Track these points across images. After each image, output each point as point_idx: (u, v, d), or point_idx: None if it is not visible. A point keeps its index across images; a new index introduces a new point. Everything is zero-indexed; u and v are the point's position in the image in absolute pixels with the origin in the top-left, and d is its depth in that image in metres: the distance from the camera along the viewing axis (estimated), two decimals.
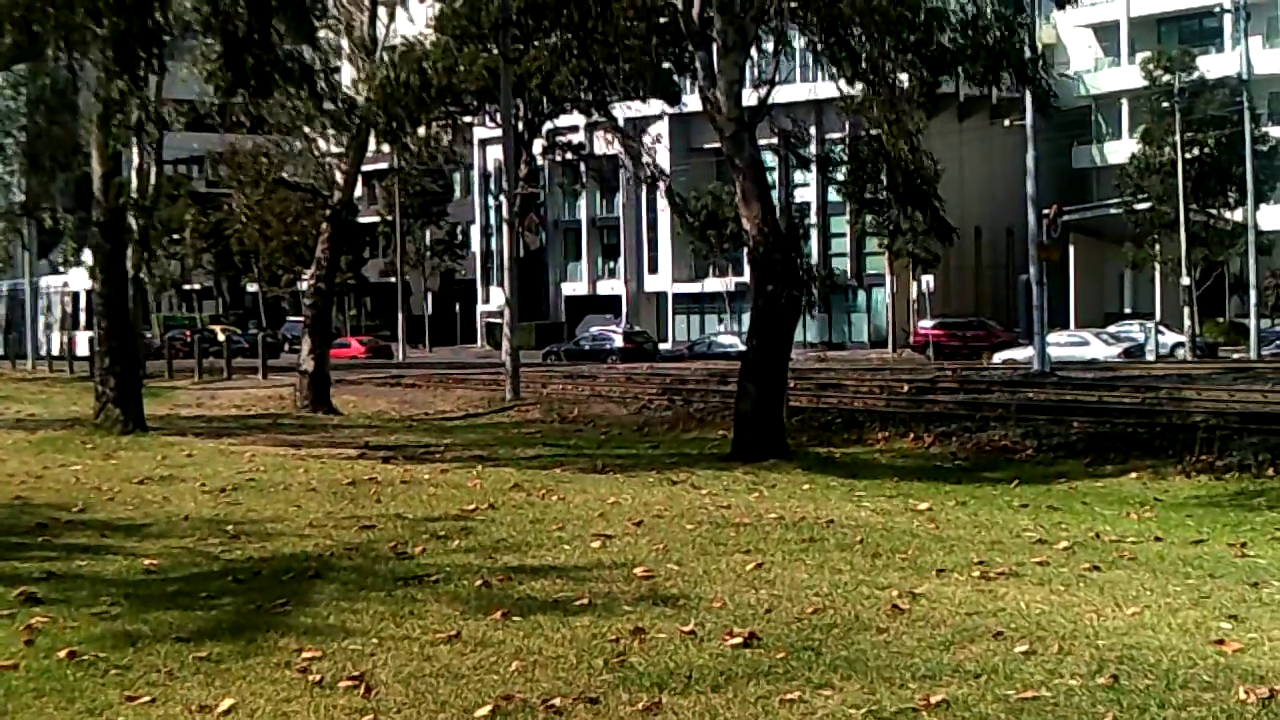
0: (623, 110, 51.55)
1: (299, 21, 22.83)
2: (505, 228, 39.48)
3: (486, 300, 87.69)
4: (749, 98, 23.30)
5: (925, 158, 25.37)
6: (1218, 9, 68.78)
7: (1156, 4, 77.61)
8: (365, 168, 59.63)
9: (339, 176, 35.91)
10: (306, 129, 34.87)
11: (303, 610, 8.77)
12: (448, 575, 9.83)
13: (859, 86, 24.94)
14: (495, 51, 38.79)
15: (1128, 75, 73.81)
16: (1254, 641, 7.56)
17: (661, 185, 49.46)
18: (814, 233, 76.68)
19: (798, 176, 71.31)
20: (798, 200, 73.49)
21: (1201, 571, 10.28)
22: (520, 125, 47.83)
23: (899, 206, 26.35)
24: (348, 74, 37.21)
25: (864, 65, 24.13)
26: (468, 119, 55.92)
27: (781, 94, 30.76)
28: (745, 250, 24.95)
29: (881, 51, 23.60)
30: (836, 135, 60.69)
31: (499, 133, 46.90)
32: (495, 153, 75.69)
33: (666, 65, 41.19)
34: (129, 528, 12.48)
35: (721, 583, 9.46)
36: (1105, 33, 79.57)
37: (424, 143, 48.36)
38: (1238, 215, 60.52)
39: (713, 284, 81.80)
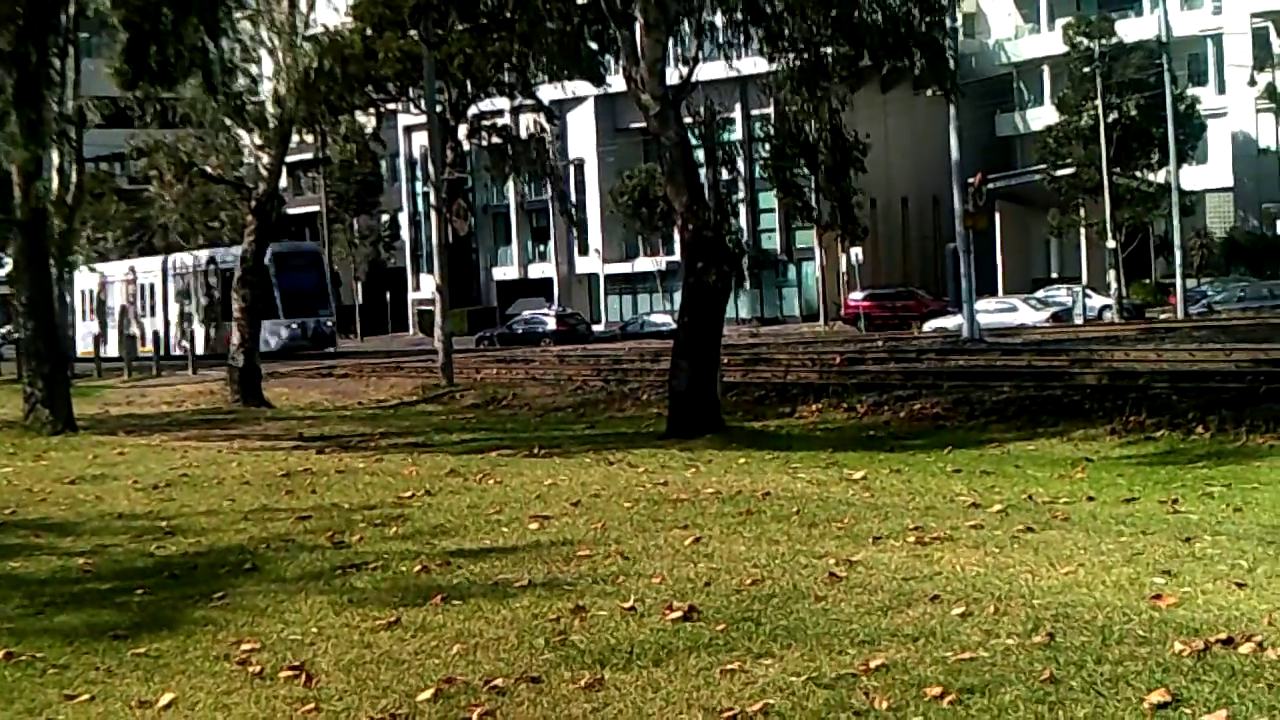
0: (548, 92, 51.43)
1: (208, 13, 22.59)
2: (433, 214, 39.31)
3: (417, 288, 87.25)
4: (673, 76, 23.30)
5: (849, 134, 25.44)
6: None
7: None
8: (292, 158, 59.31)
9: (263, 168, 35.62)
10: (228, 120, 34.55)
11: (240, 603, 8.73)
12: (385, 562, 9.80)
13: (781, 63, 24.99)
14: (416, 37, 38.54)
15: (1048, 42, 74.37)
16: (1188, 596, 7.66)
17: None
18: (743, 208, 76.81)
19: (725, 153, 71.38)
20: (725, 177, 73.61)
21: (1134, 529, 10.40)
22: (445, 110, 47.55)
23: (815, 192, 26.43)
24: (268, 65, 36.90)
25: (785, 41, 24.17)
26: (391, 106, 55.67)
27: (705, 71, 30.77)
28: (675, 228, 24.98)
29: (803, 26, 23.64)
30: (759, 112, 60.95)
31: (424, 119, 46.66)
32: (421, 139, 75.33)
33: (591, 45, 41.07)
34: (62, 527, 12.36)
35: (660, 558, 9.48)
36: (1025, 1, 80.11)
37: (347, 131, 48.16)
38: (1160, 177, 61.18)
39: (644, 264, 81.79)
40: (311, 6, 35.80)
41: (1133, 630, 6.82)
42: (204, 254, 62.97)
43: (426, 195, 64.87)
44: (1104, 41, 63.06)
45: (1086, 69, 62.74)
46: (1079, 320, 54.58)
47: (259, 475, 15.96)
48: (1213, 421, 18.61)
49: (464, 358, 41.47)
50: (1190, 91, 66.88)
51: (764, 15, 24.37)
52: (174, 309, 62.60)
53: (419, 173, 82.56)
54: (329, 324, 57.83)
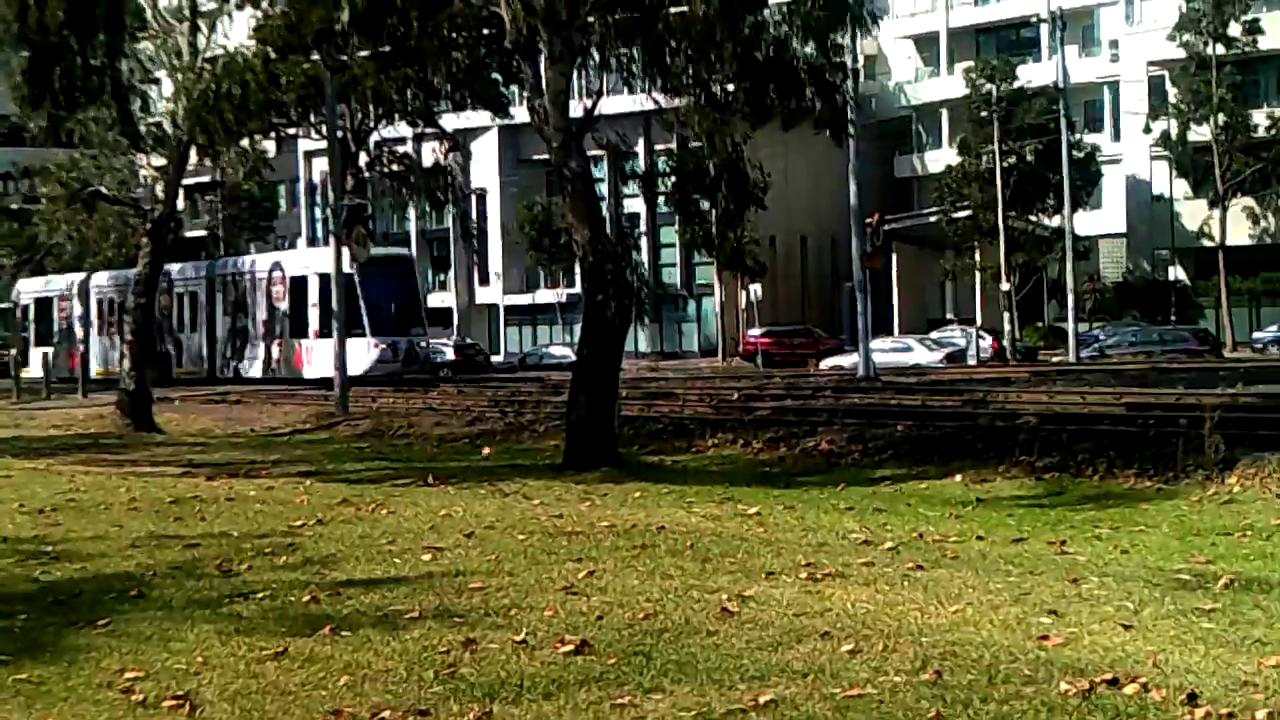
0: (452, 121, 51.23)
1: (114, 35, 22.34)
2: (332, 241, 39.01)
3: None
4: (576, 109, 23.36)
5: (751, 169, 25.56)
6: (1035, 20, 70.63)
7: (975, 15, 79.54)
8: (188, 181, 58.64)
9: (159, 190, 35.20)
10: (126, 142, 34.13)
11: (125, 630, 8.59)
12: (274, 592, 9.70)
13: (684, 99, 25.13)
14: (319, 61, 38.30)
15: (948, 85, 75.45)
16: (1074, 636, 7.76)
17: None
18: (644, 242, 77.02)
19: (627, 187, 71.64)
20: (627, 210, 73.87)
21: (1022, 569, 10.53)
22: (346, 136, 47.25)
23: (718, 225, 26.58)
24: (168, 86, 36.48)
25: (687, 79, 24.31)
26: (292, 131, 55.21)
27: (609, 105, 30.80)
28: (576, 260, 24.97)
29: (705, 65, 23.79)
30: (663, 147, 61.21)
31: (324, 144, 46.36)
32: (321, 165, 74.78)
33: (495, 75, 41.05)
34: None
35: (553, 591, 9.48)
36: (925, 44, 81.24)
37: (246, 155, 47.70)
38: (1055, 221, 62.14)
39: (545, 295, 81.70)
40: (213, 29, 35.51)
41: (1019, 670, 6.90)
42: (125, 273, 56.75)
43: (325, 221, 64.36)
44: (1003, 86, 64.08)
45: (985, 113, 63.69)
46: (973, 361, 55.22)
47: (148, 501, 15.74)
48: (1102, 464, 18.89)
49: (360, 386, 41.16)
50: (1087, 138, 68.13)
51: (665, 52, 24.50)
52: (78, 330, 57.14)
53: (318, 198, 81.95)
54: (423, 344, 48.69)
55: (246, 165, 50.63)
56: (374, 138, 51.70)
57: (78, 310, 57.05)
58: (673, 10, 23.56)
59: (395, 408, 34.56)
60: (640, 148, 73.81)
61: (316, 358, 44.43)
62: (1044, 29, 70.12)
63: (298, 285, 46.73)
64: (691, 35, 23.29)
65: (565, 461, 21.78)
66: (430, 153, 55.93)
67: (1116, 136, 71.96)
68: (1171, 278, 68.06)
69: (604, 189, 63.63)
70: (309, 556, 11.39)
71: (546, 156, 23.87)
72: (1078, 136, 64.31)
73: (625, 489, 17.67)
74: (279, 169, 78.28)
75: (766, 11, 24.40)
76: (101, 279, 56.70)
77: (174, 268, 51.75)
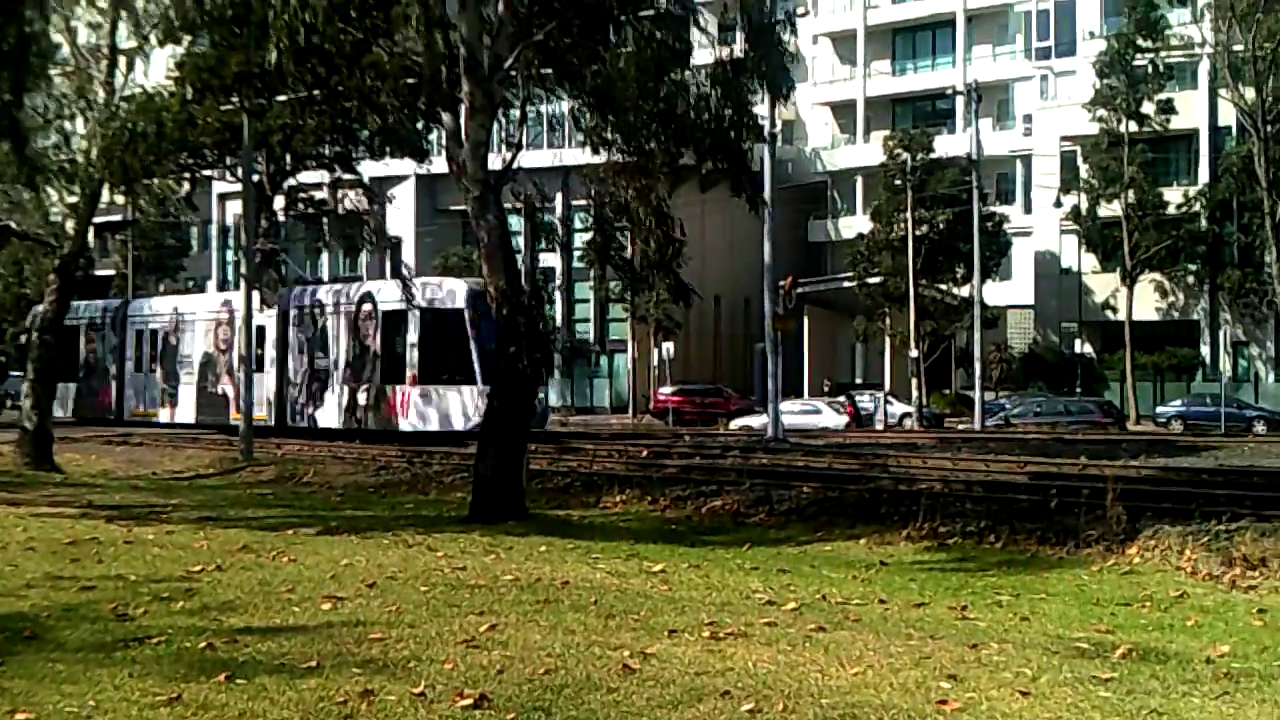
0: (370, 168, 51.17)
1: (16, 70, 22.09)
2: (243, 284, 38.67)
3: None
4: (495, 161, 23.40)
5: (672, 222, 25.68)
6: (951, 91, 71.73)
7: (893, 85, 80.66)
8: (100, 219, 57.91)
9: (69, 227, 34.75)
10: (35, 178, 33.67)
11: (18, 671, 8.43)
12: (170, 637, 9.57)
13: (605, 156, 25.27)
14: (238, 104, 38.13)
15: (863, 153, 76.37)
16: (972, 701, 7.81)
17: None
18: (559, 296, 77.08)
19: (544, 241, 71.77)
20: (543, 264, 73.93)
21: (923, 633, 10.59)
22: (262, 180, 46.98)
23: (642, 271, 26.63)
24: (82, 123, 36.14)
25: (610, 134, 24.44)
26: (208, 172, 54.80)
27: (529, 159, 30.94)
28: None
29: (627, 121, 23.94)
30: (581, 201, 61.34)
31: (240, 187, 46.07)
32: (235, 208, 74.34)
33: (416, 125, 41.05)
34: None
35: (454, 644, 9.42)
36: (843, 111, 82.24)
37: (160, 195, 47.23)
38: (965, 291, 62.90)
39: None
40: (131, 67, 35.23)
41: None
42: (171, 301, 51.78)
43: (237, 264, 63.88)
44: (919, 156, 64.94)
45: (900, 181, 64.47)
46: (880, 426, 55.67)
47: (44, 542, 15.47)
48: (1004, 531, 19.05)
49: (266, 431, 40.76)
50: (999, 209, 69.10)
51: (587, 108, 24.65)
52: None
53: (231, 241, 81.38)
54: (541, 395, 39.52)
55: (159, 205, 50.04)
56: (290, 182, 51.46)
57: (111, 342, 50.84)
58: (593, 67, 23.74)
59: (301, 455, 34.23)
60: (558, 202, 74.11)
61: (418, 408, 38.31)
62: (960, 101, 71.27)
63: (393, 321, 39.68)
64: (613, 92, 23.45)
65: (472, 514, 21.66)
66: (348, 199, 55.65)
67: (1028, 209, 73.11)
68: (1078, 350, 69.04)
69: (520, 242, 63.64)
70: (207, 602, 11.25)
71: (464, 207, 23.84)
72: (990, 208, 65.23)
73: (531, 543, 17.59)
74: (191, 210, 77.80)
75: (688, 73, 24.61)
76: (143, 307, 50.72)
77: (235, 296, 45.64)
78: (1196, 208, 63.35)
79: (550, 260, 76.11)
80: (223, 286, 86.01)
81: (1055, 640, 10.80)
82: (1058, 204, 67.04)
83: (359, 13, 22.34)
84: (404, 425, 38.29)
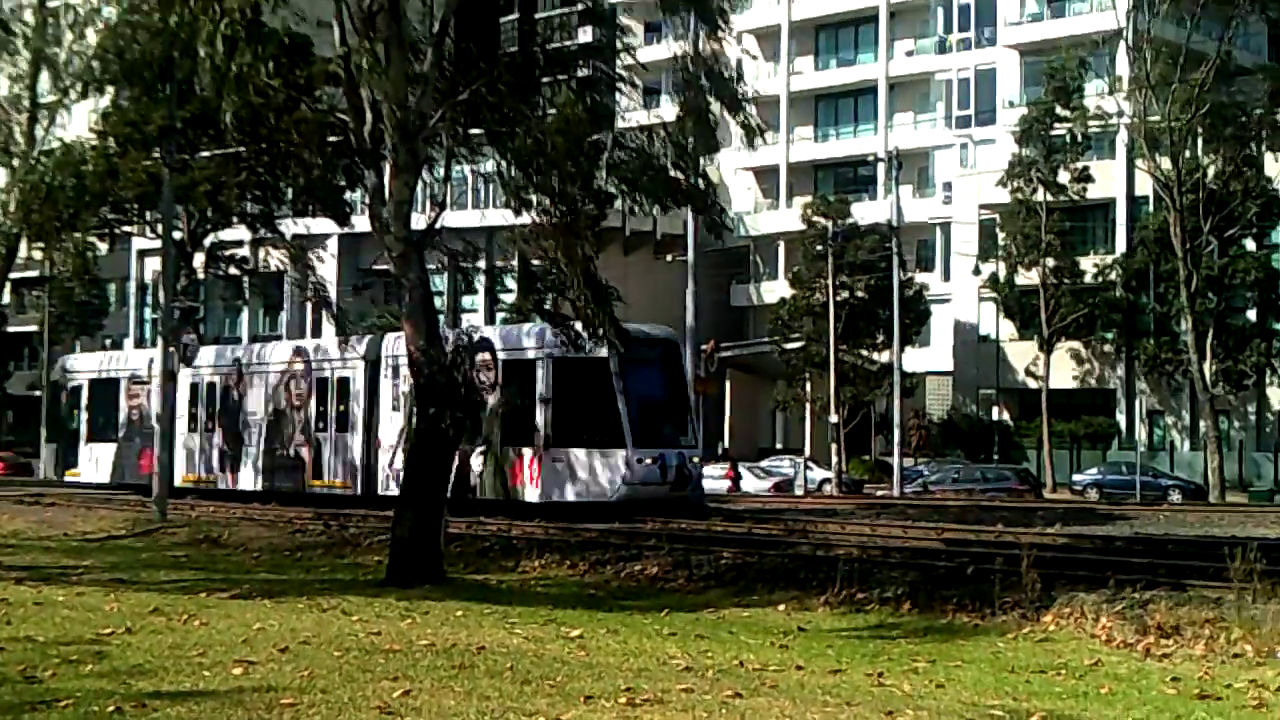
0: (291, 227, 50.93)
1: None
2: (160, 342, 38.12)
3: None
4: (419, 220, 23.36)
5: (600, 281, 25.51)
6: (872, 159, 72.48)
7: (815, 151, 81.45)
8: (15, 274, 57.23)
9: None
10: None
11: None
12: (78, 700, 9.43)
13: (529, 215, 25.22)
14: (160, 159, 37.91)
15: (785, 219, 76.90)
16: None
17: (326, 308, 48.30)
18: None
19: (465, 300, 71.70)
20: (466, 322, 73.75)
21: (839, 700, 10.59)
22: (182, 236, 46.63)
23: (583, 323, 26.42)
24: (1, 175, 35.81)
25: (536, 194, 24.44)
26: (128, 228, 54.38)
27: (454, 218, 30.79)
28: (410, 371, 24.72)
29: (551, 182, 23.96)
30: (503, 263, 61.36)
31: (159, 244, 45.67)
32: (155, 264, 73.68)
33: (338, 182, 40.95)
34: None
35: (367, 710, 9.33)
36: (766, 176, 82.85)
37: (78, 250, 46.66)
38: (884, 357, 63.33)
39: None
40: (52, 120, 34.99)
41: None
42: (232, 350, 45.73)
43: (155, 322, 63.27)
44: (839, 222, 65.50)
45: (820, 247, 64.96)
46: (800, 491, 55.79)
47: None
48: (921, 598, 19.09)
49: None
50: (918, 276, 69.74)
51: (512, 169, 24.67)
52: None
53: (149, 298, 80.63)
54: (695, 459, 34.86)
55: (78, 260, 49.26)
56: (210, 239, 51.17)
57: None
58: (519, 127, 23.79)
59: (215, 517, 33.84)
60: (482, 263, 74.07)
61: (551, 475, 32.34)
62: (881, 168, 72.03)
63: (517, 373, 33.32)
64: (540, 153, 23.49)
65: (388, 578, 21.44)
66: (268, 258, 55.24)
67: (947, 276, 73.82)
68: (995, 417, 69.66)
69: (443, 302, 63.54)
70: (116, 665, 11.09)
71: (386, 266, 23.79)
72: (909, 274, 65.82)
73: (448, 607, 17.44)
74: (111, 267, 77.03)
75: (613, 137, 24.76)
76: (198, 357, 43.15)
77: (310, 345, 41.86)
78: (1113, 276, 64.25)
79: (475, 319, 76.00)
80: (139, 344, 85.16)
81: (970, 707, 10.83)
82: (976, 271, 67.79)
83: (282, 69, 22.29)
84: (531, 495, 32.50)
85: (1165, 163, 57.04)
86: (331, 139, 26.86)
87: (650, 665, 12.34)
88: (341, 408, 37.32)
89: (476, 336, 34.13)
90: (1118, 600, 17.46)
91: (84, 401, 45.86)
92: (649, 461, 31.64)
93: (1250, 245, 61.11)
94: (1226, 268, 59.77)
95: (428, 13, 22.69)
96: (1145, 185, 63.39)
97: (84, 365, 48.36)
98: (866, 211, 69.03)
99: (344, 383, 37.29)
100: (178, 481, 39.86)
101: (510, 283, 67.23)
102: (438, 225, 23.70)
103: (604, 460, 31.42)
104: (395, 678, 10.72)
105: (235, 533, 30.29)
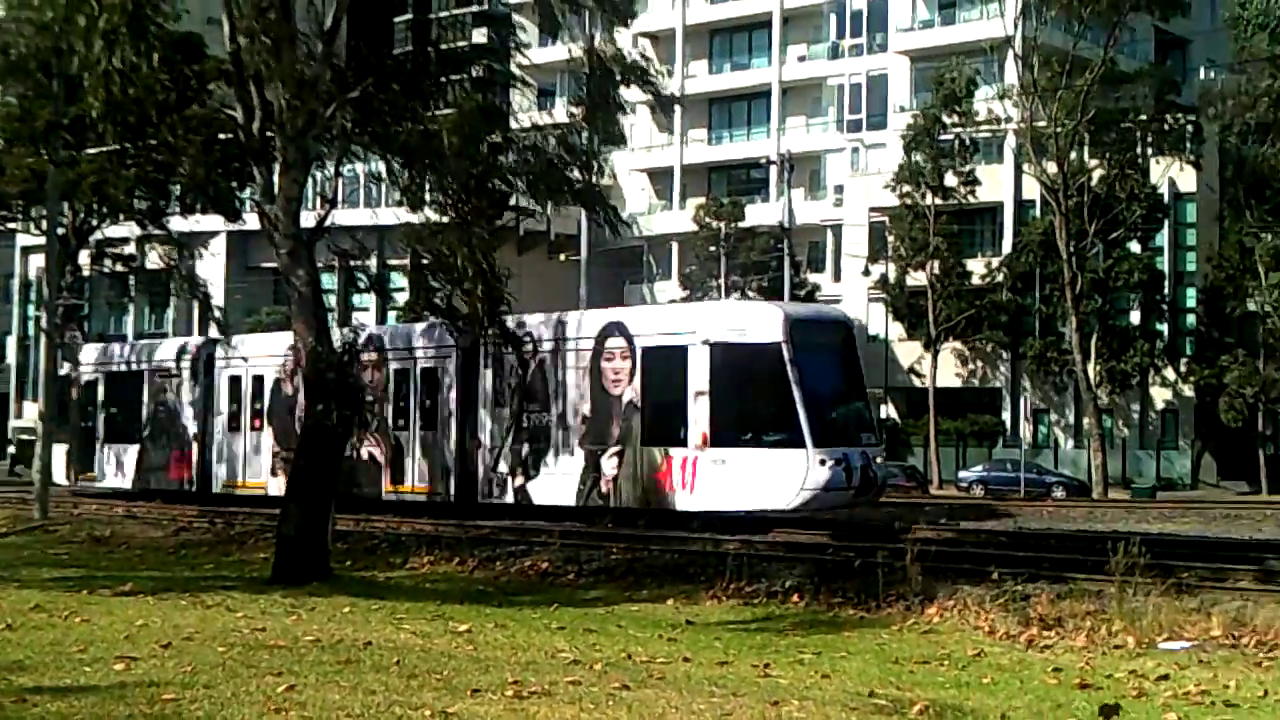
0: (180, 224, 50.23)
1: None
2: (44, 339, 37.36)
3: (20, 415, 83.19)
4: (309, 218, 23.18)
5: (497, 277, 25.31)
6: (764, 161, 72.89)
7: (708, 153, 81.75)
8: None
9: None
10: None
11: None
12: None
13: (422, 214, 25.14)
14: (45, 155, 37.26)
15: (679, 219, 77.15)
16: None
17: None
18: None
19: (357, 299, 71.18)
20: (357, 320, 73.22)
21: (726, 691, 10.68)
22: (66, 232, 45.81)
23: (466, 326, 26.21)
24: None
25: (430, 193, 24.36)
26: (11, 224, 53.39)
27: (345, 216, 30.40)
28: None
29: (451, 180, 23.89)
30: (397, 262, 60.93)
31: (44, 240, 44.85)
32: (39, 261, 72.48)
33: (227, 180, 40.45)
34: None
35: (250, 705, 9.26)
36: (659, 178, 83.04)
37: None
38: None
39: None
40: None
41: None
42: (280, 338, 37.15)
43: (38, 319, 62.16)
44: (732, 224, 65.81)
45: (713, 248, 65.25)
46: None
47: None
48: (809, 591, 19.33)
49: (64, 490, 39.53)
50: (809, 277, 70.26)
51: (403, 167, 24.58)
52: None
53: (33, 295, 79.25)
54: (879, 458, 30.29)
55: None
56: (96, 236, 50.34)
57: (189, 392, 38.96)
58: (412, 126, 23.70)
59: (99, 514, 33.35)
60: (373, 261, 73.59)
61: (712, 479, 27.52)
62: (773, 171, 72.49)
63: (663, 362, 28.77)
64: (434, 152, 23.39)
65: (274, 575, 21.25)
66: (156, 255, 54.38)
67: (837, 277, 74.38)
68: (883, 415, 70.37)
69: (333, 299, 62.97)
70: None
71: (275, 264, 23.57)
72: (800, 276, 66.30)
73: (335, 604, 17.34)
74: None
75: (506, 136, 24.75)
76: (241, 345, 38.82)
77: (382, 332, 35.59)
78: (999, 278, 65.16)
79: (366, 318, 75.48)
80: (22, 341, 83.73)
81: (854, 697, 10.96)
82: (866, 273, 68.40)
83: (170, 66, 22.05)
84: (687, 503, 28.05)
85: (1051, 167, 57.87)
86: (221, 136, 26.59)
87: (538, 659, 12.36)
88: (427, 403, 32.90)
89: (605, 320, 30.79)
90: (1001, 593, 17.77)
91: (100, 398, 41.78)
92: (832, 463, 26.99)
93: (1135, 248, 62.16)
94: (1111, 270, 60.78)
95: (320, 10, 22.52)
96: (1032, 189, 64.28)
97: (97, 359, 43.90)
98: (759, 213, 69.37)
99: (429, 374, 33.01)
100: (217, 487, 36.94)
101: (402, 281, 66.97)
102: (327, 223, 23.51)
103: (779, 462, 26.84)
104: (279, 673, 10.64)
105: (120, 531, 29.90)
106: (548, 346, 30.86)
